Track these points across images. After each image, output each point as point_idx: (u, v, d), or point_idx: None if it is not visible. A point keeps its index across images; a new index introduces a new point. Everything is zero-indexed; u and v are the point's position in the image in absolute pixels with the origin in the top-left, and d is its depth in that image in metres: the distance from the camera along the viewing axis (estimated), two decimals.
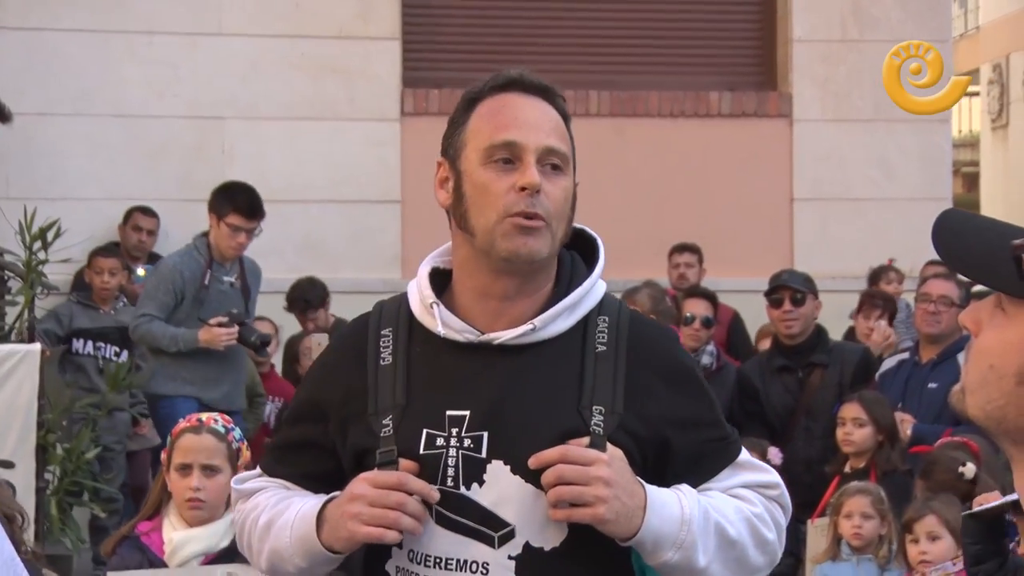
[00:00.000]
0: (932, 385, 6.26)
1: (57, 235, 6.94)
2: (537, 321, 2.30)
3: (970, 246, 1.58)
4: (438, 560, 2.28)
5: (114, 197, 8.75)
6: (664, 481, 2.33)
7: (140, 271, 8.40)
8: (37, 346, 6.17)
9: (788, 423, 6.63)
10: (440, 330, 2.32)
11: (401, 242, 9.34)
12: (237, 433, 4.08)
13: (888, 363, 6.72)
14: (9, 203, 7.71)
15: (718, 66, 10.04)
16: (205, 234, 7.08)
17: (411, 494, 2.24)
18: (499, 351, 2.32)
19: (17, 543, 4.31)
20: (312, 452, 2.42)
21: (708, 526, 2.29)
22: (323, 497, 2.36)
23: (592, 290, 2.38)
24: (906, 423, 6.07)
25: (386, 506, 2.22)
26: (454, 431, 2.28)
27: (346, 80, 9.37)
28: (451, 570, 2.27)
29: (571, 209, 2.36)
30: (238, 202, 6.97)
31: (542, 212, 2.28)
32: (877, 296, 7.98)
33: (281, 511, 2.39)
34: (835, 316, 8.18)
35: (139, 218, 8.75)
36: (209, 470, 3.95)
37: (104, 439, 7.27)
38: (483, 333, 2.32)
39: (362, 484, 2.26)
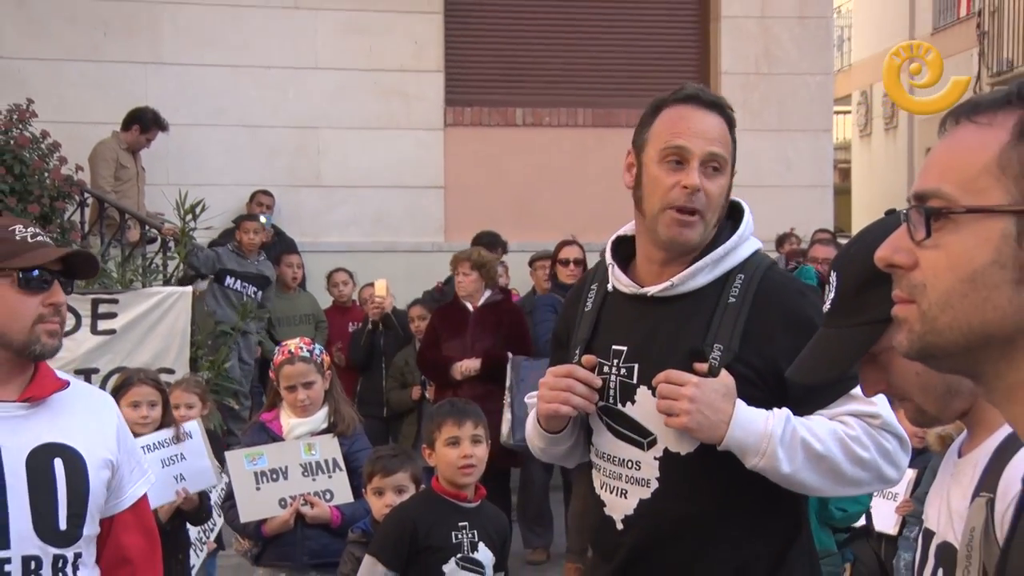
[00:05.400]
0: None
1: (202, 210, 6.94)
2: (676, 279, 2.15)
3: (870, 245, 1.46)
4: (610, 456, 2.21)
5: (241, 183, 8.72)
6: (786, 402, 2.10)
7: (263, 219, 8.30)
8: (190, 288, 6.18)
9: None
10: (612, 284, 2.22)
11: (444, 216, 9.31)
12: (317, 348, 4.01)
13: None
14: (169, 188, 7.74)
15: (670, 90, 9.91)
16: None
17: (580, 381, 2.17)
18: (653, 301, 2.17)
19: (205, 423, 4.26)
20: None
21: (794, 442, 2.06)
22: None
23: (732, 252, 2.17)
24: None
25: (559, 388, 2.16)
26: (615, 362, 2.18)
27: (404, 100, 9.28)
28: (616, 464, 2.20)
29: (725, 199, 2.17)
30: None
31: (699, 207, 2.11)
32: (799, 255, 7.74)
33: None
34: None
35: (261, 197, 8.72)
36: (307, 385, 3.92)
37: (241, 354, 7.26)
38: (642, 287, 2.18)
39: (546, 375, 2.20)
